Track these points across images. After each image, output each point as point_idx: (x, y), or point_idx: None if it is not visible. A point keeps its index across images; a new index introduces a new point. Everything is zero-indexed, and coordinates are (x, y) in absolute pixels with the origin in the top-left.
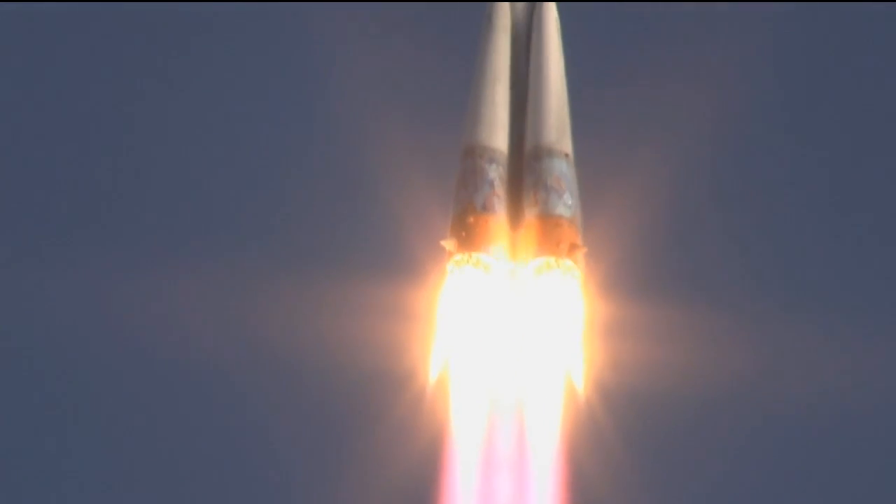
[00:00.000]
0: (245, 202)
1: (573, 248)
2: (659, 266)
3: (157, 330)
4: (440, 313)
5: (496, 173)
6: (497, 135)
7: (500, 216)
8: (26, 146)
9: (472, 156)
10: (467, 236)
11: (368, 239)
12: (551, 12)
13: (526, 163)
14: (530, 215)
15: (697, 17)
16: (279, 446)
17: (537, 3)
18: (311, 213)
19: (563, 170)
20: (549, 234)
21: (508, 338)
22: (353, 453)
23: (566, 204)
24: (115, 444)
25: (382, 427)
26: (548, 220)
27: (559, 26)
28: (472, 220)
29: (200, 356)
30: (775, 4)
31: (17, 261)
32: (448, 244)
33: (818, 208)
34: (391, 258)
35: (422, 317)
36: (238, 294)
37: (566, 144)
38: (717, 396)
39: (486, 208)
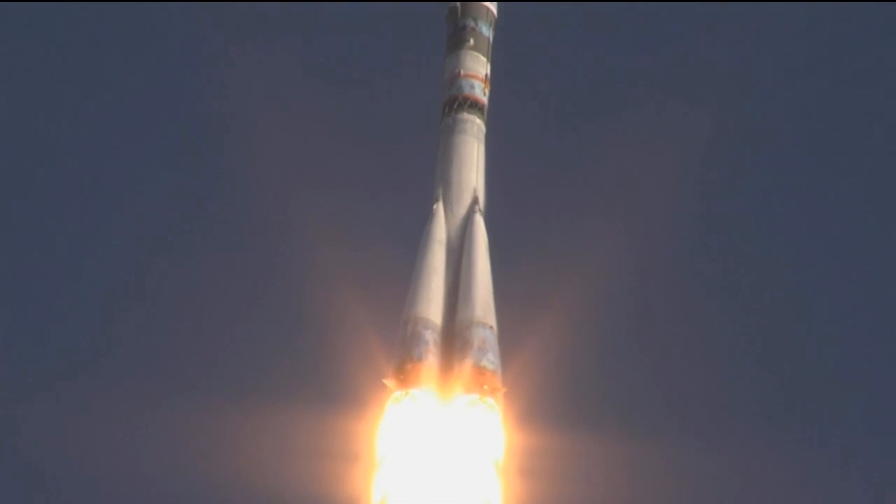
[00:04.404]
0: (198, 337)
1: (494, 389)
2: (565, 406)
3: (88, 467)
4: (380, 443)
5: (431, 337)
6: (433, 310)
7: (434, 365)
8: None
9: (411, 324)
10: (405, 378)
11: (319, 379)
12: (479, 228)
13: (457, 331)
14: (459, 366)
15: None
16: None
17: (469, 218)
18: (272, 354)
19: (487, 336)
20: (475, 380)
21: (438, 465)
22: None
23: (489, 360)
24: None
25: None
26: (474, 369)
27: (486, 236)
28: (409, 366)
29: (141, 491)
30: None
31: None
32: (389, 382)
33: (712, 339)
34: (339, 396)
35: (365, 446)
36: (191, 427)
37: (491, 319)
38: None
39: (421, 359)
